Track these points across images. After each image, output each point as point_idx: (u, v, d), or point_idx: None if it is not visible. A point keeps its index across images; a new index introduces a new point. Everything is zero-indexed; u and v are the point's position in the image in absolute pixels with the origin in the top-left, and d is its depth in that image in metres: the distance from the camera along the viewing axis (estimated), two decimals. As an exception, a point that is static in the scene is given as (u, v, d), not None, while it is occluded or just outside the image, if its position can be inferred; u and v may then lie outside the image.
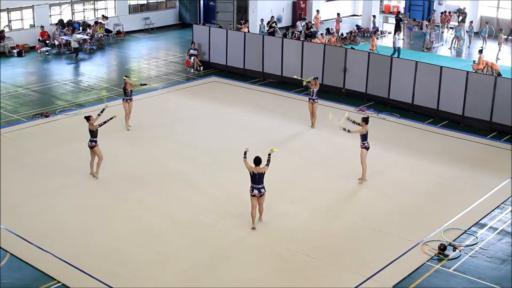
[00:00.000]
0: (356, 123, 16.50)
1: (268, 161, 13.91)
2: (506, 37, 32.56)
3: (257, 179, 13.77)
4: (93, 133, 16.34)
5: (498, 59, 30.21)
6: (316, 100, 20.11)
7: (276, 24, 33.42)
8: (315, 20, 35.20)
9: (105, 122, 16.41)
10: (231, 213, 14.89)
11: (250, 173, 13.78)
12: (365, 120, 16.46)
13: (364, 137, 16.40)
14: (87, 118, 16.48)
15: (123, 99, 19.93)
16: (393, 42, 29.92)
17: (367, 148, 16.51)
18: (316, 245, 13.57)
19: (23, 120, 20.92)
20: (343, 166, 17.73)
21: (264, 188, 13.96)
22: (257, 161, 13.71)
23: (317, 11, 36.06)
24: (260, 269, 12.70)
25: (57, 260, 12.81)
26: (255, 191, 13.86)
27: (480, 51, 27.29)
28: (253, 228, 14.09)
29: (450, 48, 33.22)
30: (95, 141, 16.40)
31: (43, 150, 18.44)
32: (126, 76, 20.10)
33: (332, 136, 19.89)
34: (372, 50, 28.31)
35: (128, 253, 13.13)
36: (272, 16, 33.87)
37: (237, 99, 23.58)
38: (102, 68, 28.79)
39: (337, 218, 14.80)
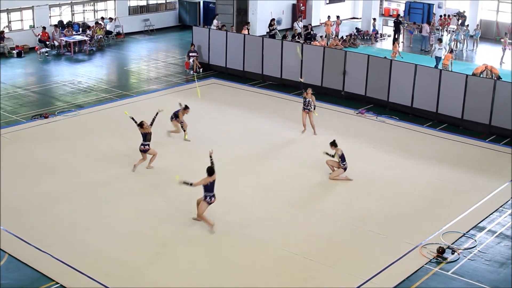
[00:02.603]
0: (330, 155, 17.09)
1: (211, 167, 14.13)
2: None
3: (213, 187, 14.01)
4: (147, 137, 16.75)
5: (503, 62, 30.25)
6: (311, 110, 19.96)
7: (277, 26, 33.39)
8: (325, 26, 34.30)
9: (153, 120, 16.96)
10: (229, 215, 14.88)
11: (207, 184, 13.88)
12: (334, 144, 16.88)
13: (342, 158, 16.79)
14: (141, 125, 16.76)
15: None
16: (433, 52, 28.64)
17: (345, 169, 16.86)
18: (315, 247, 13.58)
19: (23, 121, 20.92)
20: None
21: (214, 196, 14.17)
22: (211, 171, 13.94)
23: (328, 16, 34.72)
24: (259, 271, 12.69)
25: (55, 261, 12.80)
26: (213, 199, 14.08)
27: (451, 51, 27.58)
28: (194, 219, 14.48)
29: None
30: (148, 145, 16.84)
31: (42, 151, 18.44)
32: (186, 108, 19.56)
33: (329, 138, 19.86)
34: (394, 57, 27.43)
35: (126, 254, 13.13)
36: (273, 19, 33.85)
37: (236, 101, 23.58)
38: (102, 69, 28.79)
39: (336, 220, 14.80)
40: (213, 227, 14.11)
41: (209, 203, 14.10)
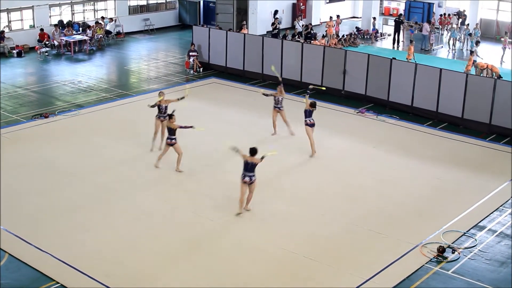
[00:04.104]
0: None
1: (262, 158, 14.48)
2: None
3: (249, 167, 14.44)
4: (172, 131, 16.70)
5: (503, 62, 30.22)
6: (282, 108, 19.90)
7: (280, 25, 33.37)
8: (327, 27, 34.00)
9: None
10: (230, 215, 14.87)
11: (244, 161, 14.43)
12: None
13: (306, 114, 17.96)
14: (170, 116, 16.73)
15: (157, 116, 18.20)
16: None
17: (309, 125, 17.97)
18: (315, 246, 13.57)
19: (23, 121, 20.92)
20: (341, 167, 17.75)
21: (254, 177, 14.52)
22: (252, 151, 14.46)
23: (330, 17, 34.43)
24: (258, 270, 12.69)
25: (55, 260, 12.80)
26: (246, 178, 14.47)
27: (471, 52, 27.31)
28: (239, 214, 14.70)
29: (449, 50, 33.29)
30: (175, 139, 16.77)
31: (42, 151, 18.43)
32: (161, 92, 18.53)
33: (329, 138, 19.90)
34: (409, 59, 27.14)
35: (126, 254, 13.13)
36: (276, 18, 33.84)
37: (236, 101, 23.58)
38: (102, 69, 28.79)
39: (336, 220, 14.80)
40: (240, 212, 14.68)
41: (242, 181, 14.49)
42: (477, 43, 29.53)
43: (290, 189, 16.36)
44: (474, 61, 26.48)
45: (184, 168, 17.28)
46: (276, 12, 36.24)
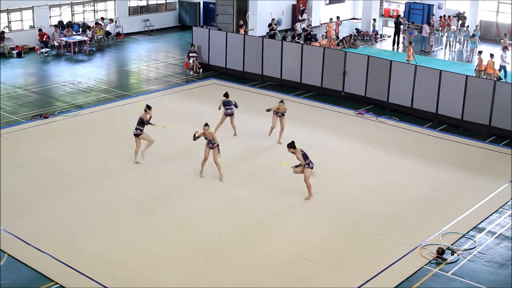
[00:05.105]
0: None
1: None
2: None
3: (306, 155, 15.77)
4: (208, 139, 16.65)
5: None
6: (232, 111, 19.96)
7: (276, 26, 33.41)
8: (327, 28, 33.99)
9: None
10: (230, 216, 14.89)
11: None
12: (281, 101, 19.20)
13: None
14: (205, 124, 16.70)
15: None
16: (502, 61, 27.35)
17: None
18: (315, 248, 13.58)
19: (22, 121, 20.92)
20: (341, 169, 17.75)
21: (304, 164, 15.60)
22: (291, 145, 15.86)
23: (330, 19, 34.57)
24: (258, 272, 12.69)
25: (55, 261, 12.80)
26: (311, 164, 15.71)
27: (492, 56, 27.16)
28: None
29: (450, 51, 33.31)
30: (213, 143, 16.55)
31: (42, 151, 18.43)
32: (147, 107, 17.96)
33: (329, 139, 19.91)
34: (408, 61, 27.03)
35: (126, 255, 13.13)
36: (273, 19, 33.85)
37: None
38: (101, 69, 28.80)
39: (336, 221, 14.80)
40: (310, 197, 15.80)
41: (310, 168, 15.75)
42: (505, 48, 28.68)
43: (289, 190, 16.35)
44: (504, 67, 26.57)
45: (183, 170, 17.28)
46: (303, 10, 36.38)
